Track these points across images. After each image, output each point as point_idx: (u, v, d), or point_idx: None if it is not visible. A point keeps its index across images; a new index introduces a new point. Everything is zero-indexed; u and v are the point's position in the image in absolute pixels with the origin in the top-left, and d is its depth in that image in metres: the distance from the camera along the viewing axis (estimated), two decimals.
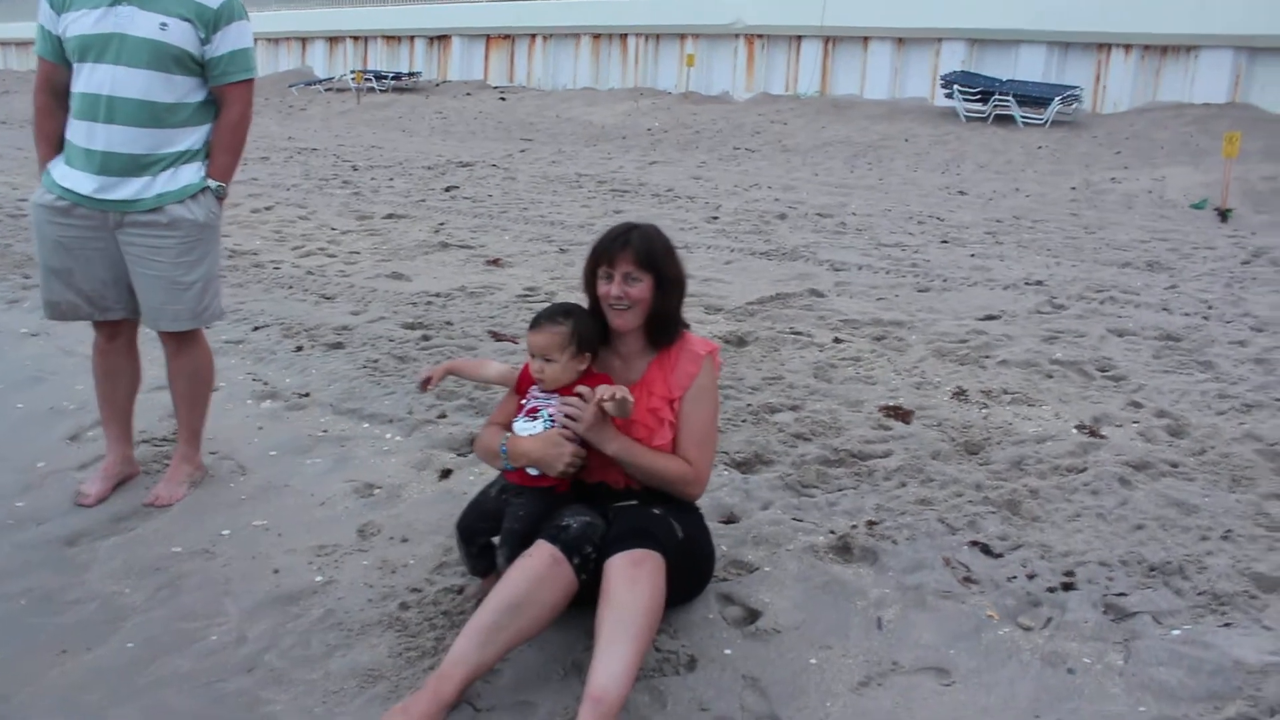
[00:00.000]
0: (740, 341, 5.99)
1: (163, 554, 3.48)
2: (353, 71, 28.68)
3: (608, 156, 15.58)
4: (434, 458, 4.27)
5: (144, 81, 3.48)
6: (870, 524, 3.74)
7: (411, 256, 8.31)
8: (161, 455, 4.23)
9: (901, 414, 4.86)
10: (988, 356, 5.77)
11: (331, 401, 4.88)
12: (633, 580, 2.68)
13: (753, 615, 3.17)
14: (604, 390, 2.84)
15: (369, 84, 27.64)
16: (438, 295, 7.00)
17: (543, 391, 3.06)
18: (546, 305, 3.16)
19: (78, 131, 3.56)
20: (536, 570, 2.72)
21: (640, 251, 2.94)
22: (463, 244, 8.83)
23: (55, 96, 3.65)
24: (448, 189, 11.94)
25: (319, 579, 3.32)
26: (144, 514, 3.78)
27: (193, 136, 3.66)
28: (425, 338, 5.96)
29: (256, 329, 6.10)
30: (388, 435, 4.51)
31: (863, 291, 7.25)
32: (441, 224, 9.70)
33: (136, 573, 3.37)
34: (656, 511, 2.94)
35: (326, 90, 28.79)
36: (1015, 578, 3.38)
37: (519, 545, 2.92)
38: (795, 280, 7.53)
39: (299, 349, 5.73)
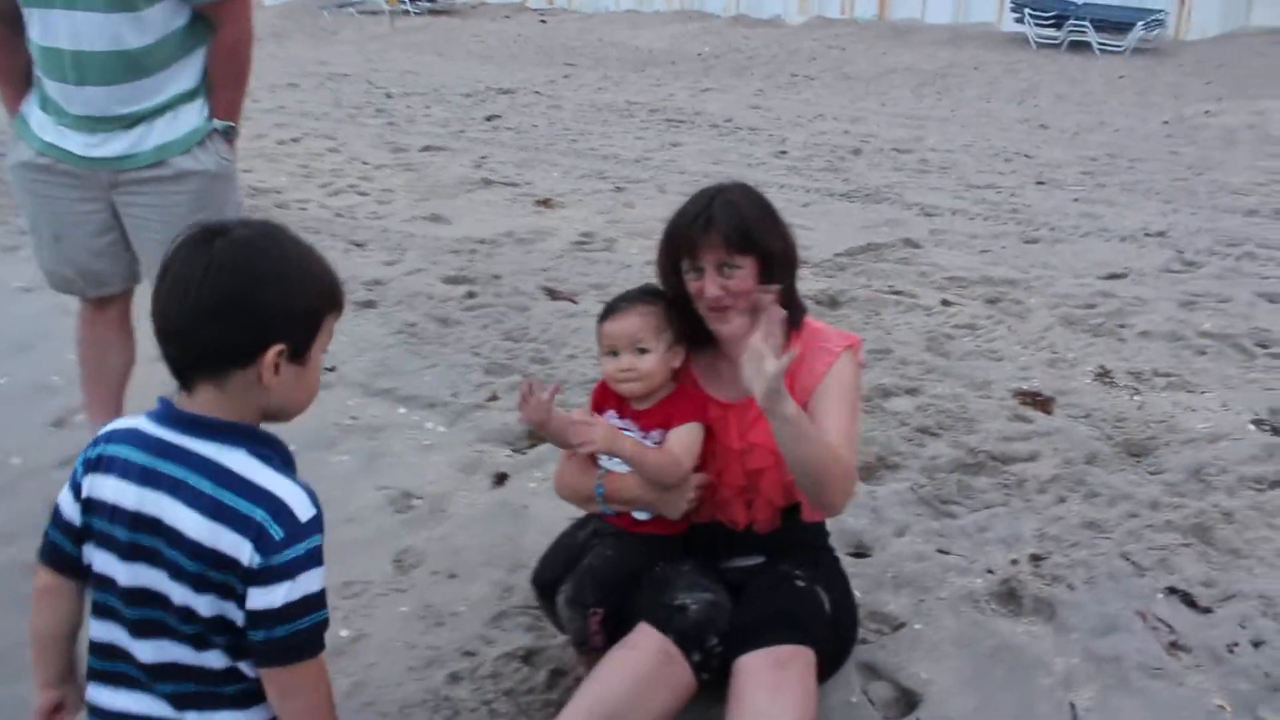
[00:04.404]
0: (833, 302, 5.19)
1: None
2: None
3: (658, 83, 14.59)
4: (485, 456, 3.53)
5: (109, 28, 2.69)
6: (1035, 559, 2.97)
7: (452, 195, 7.51)
8: None
9: (1040, 402, 4.06)
10: (1123, 325, 4.93)
11: (362, 379, 4.12)
12: (777, 688, 1.93)
13: (909, 699, 2.43)
14: None
15: (403, 6, 26.59)
16: (482, 242, 6.21)
17: (620, 413, 2.29)
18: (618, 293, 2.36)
19: (50, 87, 2.82)
20: (642, 669, 1.98)
21: (731, 230, 2.09)
22: (507, 180, 8.01)
23: (7, 24, 2.87)
24: (489, 118, 11.07)
25: (344, 634, 2.60)
26: None
27: (185, 73, 2.90)
28: (470, 294, 5.20)
29: None
30: (428, 424, 3.78)
31: (963, 242, 6.39)
32: (483, 158, 8.87)
33: None
34: (800, 583, 2.17)
35: (360, 13, 27.74)
36: (1237, 645, 2.61)
37: (593, 591, 2.21)
38: (885, 227, 6.66)
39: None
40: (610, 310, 2.26)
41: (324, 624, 1.45)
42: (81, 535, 1.50)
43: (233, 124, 3.01)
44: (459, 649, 2.55)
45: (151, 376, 3.78)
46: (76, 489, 1.50)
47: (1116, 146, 10.15)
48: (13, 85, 2.96)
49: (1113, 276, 5.75)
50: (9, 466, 3.41)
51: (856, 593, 2.70)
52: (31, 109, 2.91)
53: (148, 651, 1.46)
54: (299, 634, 1.42)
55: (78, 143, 2.84)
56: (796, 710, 1.91)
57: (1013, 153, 9.63)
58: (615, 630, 2.20)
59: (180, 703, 1.49)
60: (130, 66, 2.76)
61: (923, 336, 4.71)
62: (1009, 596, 2.80)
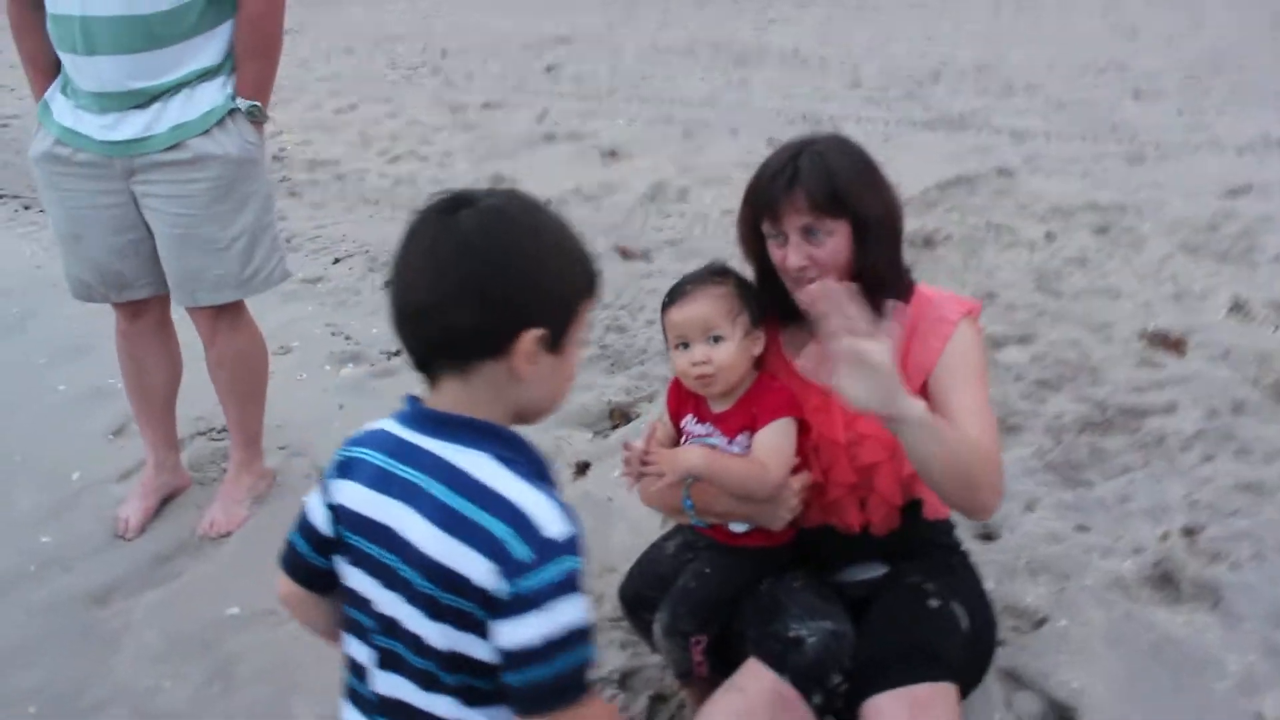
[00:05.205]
0: (927, 242, 4.82)
1: (214, 619, 2.57)
2: None
3: (719, 19, 14.09)
4: (565, 442, 3.27)
5: None
6: (1188, 532, 2.63)
7: (514, 153, 7.21)
8: (221, 454, 3.33)
9: (1170, 343, 3.67)
10: (1253, 248, 4.48)
11: None
12: None
13: (1061, 714, 2.12)
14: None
15: None
16: (548, 201, 5.89)
17: (698, 416, 1.96)
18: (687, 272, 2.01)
19: (65, 62, 2.60)
20: (754, 714, 1.69)
21: (817, 189, 1.72)
22: (571, 134, 7.68)
23: (31, 4, 2.64)
24: (548, 68, 10.73)
25: None
26: (194, 548, 2.88)
27: (209, 49, 2.62)
28: None
29: (337, 261, 5.09)
30: None
31: (1061, 167, 5.92)
32: (545, 111, 8.54)
33: (180, 653, 2.47)
34: (933, 601, 1.85)
35: None
36: None
37: (691, 618, 1.91)
38: (974, 156, 6.21)
39: (387, 284, 4.73)
40: (675, 295, 1.91)
41: (587, 664, 1.20)
42: (331, 546, 1.32)
43: (258, 104, 2.73)
44: None
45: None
46: (326, 492, 1.31)
47: (1218, 50, 9.48)
48: (40, 71, 2.73)
49: (1234, 193, 5.27)
50: (68, 482, 3.23)
51: (989, 583, 2.38)
52: (54, 94, 2.69)
53: (383, 683, 1.29)
54: (560, 676, 1.17)
55: (93, 125, 2.59)
56: None
57: (1104, 64, 9.03)
58: (722, 654, 1.92)
59: None
60: (143, 34, 2.50)
61: (1029, 275, 4.33)
62: (1163, 580, 2.47)
